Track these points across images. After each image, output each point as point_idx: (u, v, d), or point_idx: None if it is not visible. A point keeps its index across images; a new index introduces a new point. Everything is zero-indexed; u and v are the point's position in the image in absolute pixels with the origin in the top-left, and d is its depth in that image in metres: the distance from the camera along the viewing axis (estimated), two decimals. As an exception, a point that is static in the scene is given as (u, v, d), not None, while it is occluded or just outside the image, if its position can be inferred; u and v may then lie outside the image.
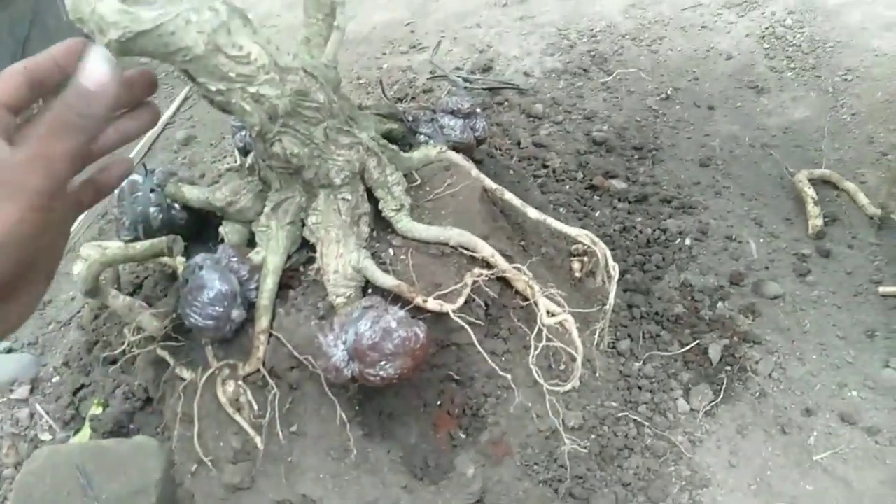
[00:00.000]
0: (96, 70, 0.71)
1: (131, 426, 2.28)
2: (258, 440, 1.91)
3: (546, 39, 3.95)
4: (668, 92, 3.43)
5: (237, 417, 1.93)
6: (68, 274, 3.06)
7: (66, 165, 0.64)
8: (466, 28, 4.20)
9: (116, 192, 2.27)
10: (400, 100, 3.63)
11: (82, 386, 2.49)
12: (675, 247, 2.67)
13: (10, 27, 3.83)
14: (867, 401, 2.16)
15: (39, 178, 0.61)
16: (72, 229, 3.22)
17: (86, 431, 2.29)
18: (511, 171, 2.73)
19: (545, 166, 3.04)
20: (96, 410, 2.33)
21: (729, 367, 2.28)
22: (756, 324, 2.39)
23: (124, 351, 2.21)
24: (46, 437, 2.44)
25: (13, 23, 3.83)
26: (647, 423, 2.13)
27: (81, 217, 3.31)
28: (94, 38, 1.47)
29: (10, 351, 2.76)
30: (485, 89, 3.63)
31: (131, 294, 2.50)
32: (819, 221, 2.61)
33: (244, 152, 2.50)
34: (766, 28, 3.70)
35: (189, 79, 1.59)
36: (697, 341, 2.32)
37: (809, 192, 2.69)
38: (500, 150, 3.12)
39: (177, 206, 2.21)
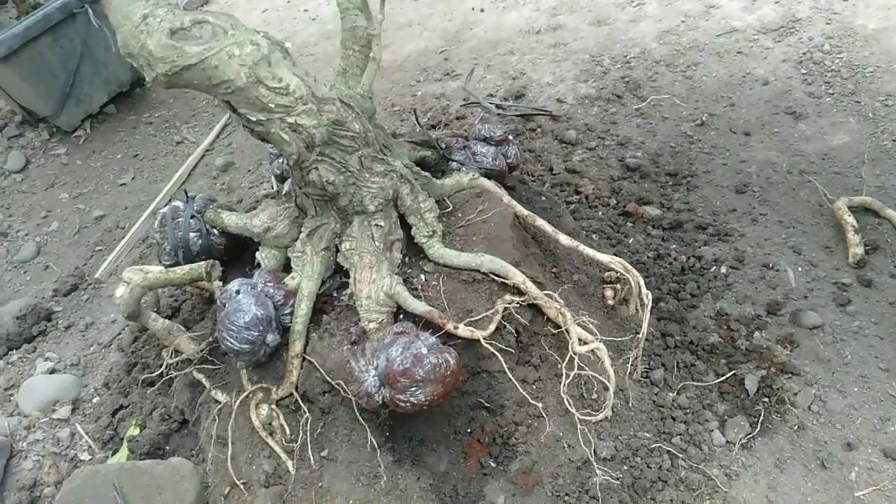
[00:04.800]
0: None
1: (167, 447, 2.32)
2: (290, 464, 1.93)
3: (579, 66, 3.97)
4: (704, 118, 3.41)
5: (270, 441, 1.96)
6: (110, 297, 3.16)
7: None
8: (499, 55, 4.25)
9: (158, 218, 2.35)
10: (433, 126, 3.68)
11: (121, 407, 2.55)
12: (710, 275, 2.64)
13: (62, 59, 4.01)
14: (912, 436, 2.09)
15: None
16: (114, 253, 3.33)
17: (123, 452, 2.34)
18: (543, 198, 2.74)
19: (578, 192, 3.03)
20: (134, 431, 2.38)
21: (766, 399, 2.22)
22: (794, 354, 2.34)
23: (162, 373, 2.27)
24: (86, 456, 2.49)
25: (64, 55, 4.01)
26: (681, 455, 2.09)
27: (123, 241, 3.41)
28: (142, 71, 1.54)
29: (53, 372, 2.84)
30: (518, 116, 3.65)
31: (170, 317, 2.57)
32: (860, 250, 2.55)
33: (281, 179, 2.57)
34: (804, 53, 3.66)
35: (230, 110, 1.65)
36: (734, 372, 2.28)
37: (849, 219, 2.63)
38: (533, 176, 3.13)
39: (216, 231, 2.27)
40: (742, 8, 4.10)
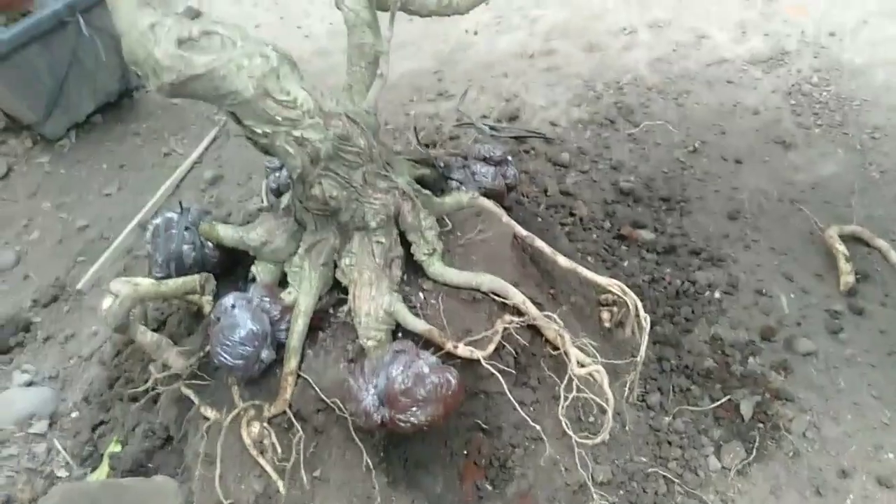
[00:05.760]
0: None
1: (150, 465, 2.25)
2: (281, 484, 1.87)
3: (572, 90, 4.01)
4: (695, 145, 3.45)
5: (260, 460, 1.90)
6: (92, 308, 3.08)
7: None
8: (493, 77, 4.27)
9: (150, 229, 2.30)
10: (426, 146, 3.67)
11: (101, 422, 2.47)
12: (704, 299, 2.65)
13: (50, 67, 3.94)
14: (905, 464, 2.10)
15: None
16: (97, 263, 3.25)
17: (104, 469, 2.26)
18: (538, 219, 2.74)
19: (572, 214, 3.04)
20: (115, 448, 2.30)
21: (761, 425, 2.22)
22: (788, 381, 2.35)
23: (147, 389, 2.20)
24: (63, 473, 2.40)
25: (53, 63, 3.94)
26: (677, 481, 2.07)
27: (107, 252, 3.34)
28: (146, 79, 1.51)
29: (30, 384, 2.75)
30: (511, 137, 3.66)
31: (155, 331, 2.50)
32: (851, 278, 2.58)
33: (277, 193, 2.53)
34: (793, 85, 3.73)
35: (235, 121, 1.62)
36: (729, 397, 2.28)
37: (841, 248, 2.66)
38: (528, 197, 3.13)
39: (210, 244, 2.22)
40: (732, 39, 4.18)
